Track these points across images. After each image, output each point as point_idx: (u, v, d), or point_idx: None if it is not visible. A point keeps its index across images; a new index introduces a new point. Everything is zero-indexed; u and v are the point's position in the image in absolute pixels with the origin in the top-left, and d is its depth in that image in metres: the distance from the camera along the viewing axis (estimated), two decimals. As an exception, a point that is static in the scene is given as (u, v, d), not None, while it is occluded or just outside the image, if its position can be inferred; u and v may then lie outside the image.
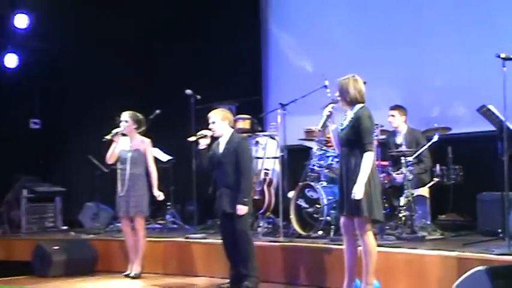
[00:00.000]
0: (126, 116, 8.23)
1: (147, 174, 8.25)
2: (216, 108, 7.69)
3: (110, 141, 8.20)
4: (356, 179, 6.10)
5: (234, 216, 7.11)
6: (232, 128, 7.44)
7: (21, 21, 11.12)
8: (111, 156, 8.26)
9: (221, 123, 7.28)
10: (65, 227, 11.00)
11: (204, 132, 7.32)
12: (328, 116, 6.39)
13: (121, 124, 8.22)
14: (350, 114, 6.32)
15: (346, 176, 6.28)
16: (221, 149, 7.28)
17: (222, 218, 7.38)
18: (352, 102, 6.31)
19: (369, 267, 6.23)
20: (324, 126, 6.51)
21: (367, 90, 6.44)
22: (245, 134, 8.68)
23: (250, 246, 7.27)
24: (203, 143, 7.31)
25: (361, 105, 6.30)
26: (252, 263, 7.22)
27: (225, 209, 7.18)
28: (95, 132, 9.07)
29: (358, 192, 6.07)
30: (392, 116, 8.67)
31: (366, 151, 6.14)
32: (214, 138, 7.38)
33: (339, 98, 6.38)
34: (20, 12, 11.09)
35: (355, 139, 6.21)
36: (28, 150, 11.29)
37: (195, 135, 7.38)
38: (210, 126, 7.30)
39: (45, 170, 11.50)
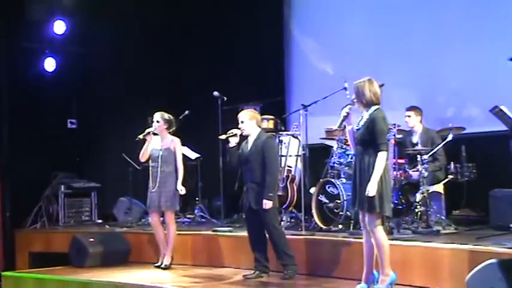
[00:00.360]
0: (158, 116, 8.29)
1: (176, 171, 8.30)
2: (243, 109, 7.76)
3: (143, 140, 8.27)
4: (369, 177, 6.11)
5: (261, 211, 7.17)
6: (260, 127, 7.50)
7: (59, 27, 11.21)
8: (143, 154, 8.33)
9: (249, 123, 7.35)
10: (100, 221, 11.09)
11: (233, 131, 7.39)
12: (345, 117, 6.38)
13: (153, 124, 8.28)
14: (365, 115, 6.32)
15: (359, 174, 6.28)
16: (249, 147, 7.34)
17: (248, 213, 7.43)
18: (367, 104, 6.30)
19: (383, 259, 6.23)
20: (341, 126, 6.53)
21: (384, 92, 6.44)
22: (269, 133, 8.72)
23: (282, 237, 7.34)
24: (233, 142, 7.37)
25: (376, 106, 6.29)
26: (287, 253, 7.30)
27: (251, 205, 7.25)
28: (128, 131, 9.18)
29: (371, 189, 6.08)
30: (409, 116, 8.66)
31: (380, 151, 6.13)
32: (243, 137, 7.44)
33: (355, 100, 6.39)
34: (58, 19, 11.19)
35: (369, 139, 6.21)
36: (65, 148, 11.36)
37: (226, 134, 7.44)
38: (239, 126, 7.37)
39: (81, 167, 11.56)
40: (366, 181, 6.13)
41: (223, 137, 7.50)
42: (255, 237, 7.41)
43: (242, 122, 7.36)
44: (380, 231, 6.25)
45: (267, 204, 7.12)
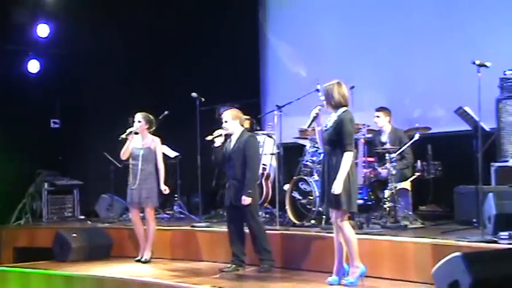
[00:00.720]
0: (139, 116, 8.26)
1: (157, 169, 8.28)
2: (219, 110, 7.74)
3: (124, 139, 8.24)
4: (336, 176, 6.14)
5: (242, 207, 7.16)
6: (243, 126, 7.48)
7: (42, 30, 11.17)
8: (124, 153, 8.29)
9: (232, 122, 7.33)
10: (82, 217, 11.02)
11: (219, 131, 7.35)
12: (315, 118, 6.37)
13: (134, 124, 8.25)
14: (334, 116, 6.32)
15: (327, 172, 6.29)
16: (232, 145, 7.32)
17: (229, 209, 7.42)
18: (336, 106, 6.30)
19: (352, 253, 6.26)
20: (311, 126, 6.53)
21: (355, 94, 6.48)
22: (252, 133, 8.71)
23: (262, 233, 7.33)
24: (218, 142, 7.34)
25: (344, 108, 6.30)
26: (265, 248, 7.29)
27: (232, 201, 7.25)
28: (109, 130, 9.13)
29: (337, 187, 6.10)
30: (378, 116, 8.71)
31: (346, 151, 6.15)
32: (228, 136, 7.42)
33: (324, 102, 6.39)
34: (41, 23, 11.13)
35: (336, 139, 6.21)
36: (49, 147, 11.30)
37: (212, 135, 7.41)
38: (223, 125, 7.34)
39: (64, 165, 11.50)
40: (333, 179, 6.14)
41: (209, 138, 7.46)
42: (234, 232, 7.38)
43: (226, 122, 7.33)
44: (347, 226, 6.28)
45: (246, 200, 7.11)
